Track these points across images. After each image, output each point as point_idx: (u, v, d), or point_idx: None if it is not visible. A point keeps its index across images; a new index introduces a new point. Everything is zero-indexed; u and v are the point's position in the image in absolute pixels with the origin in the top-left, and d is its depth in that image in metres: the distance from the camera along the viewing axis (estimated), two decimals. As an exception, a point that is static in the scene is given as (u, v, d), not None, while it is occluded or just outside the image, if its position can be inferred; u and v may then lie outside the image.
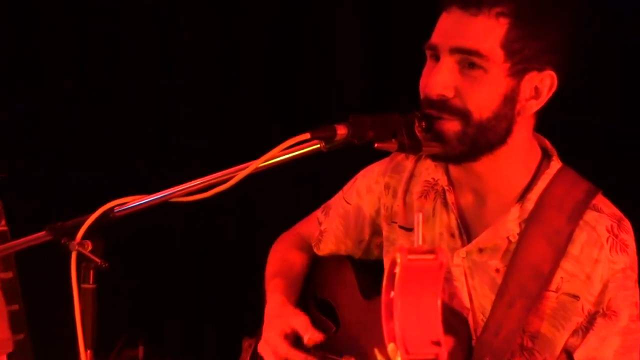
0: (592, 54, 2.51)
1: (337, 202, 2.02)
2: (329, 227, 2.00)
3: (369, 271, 1.95)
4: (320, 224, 2.03)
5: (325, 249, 2.02)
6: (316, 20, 3.25)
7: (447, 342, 1.27)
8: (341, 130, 1.50)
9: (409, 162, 1.86)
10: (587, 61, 2.49)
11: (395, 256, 1.20)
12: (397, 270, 1.20)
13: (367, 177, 1.94)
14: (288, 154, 1.50)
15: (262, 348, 1.85)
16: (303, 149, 1.50)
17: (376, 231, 1.93)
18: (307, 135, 1.48)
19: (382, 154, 1.89)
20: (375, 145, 1.55)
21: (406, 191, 1.84)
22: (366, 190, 1.93)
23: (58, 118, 3.27)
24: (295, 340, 1.84)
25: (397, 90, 2.15)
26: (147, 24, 3.33)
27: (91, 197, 1.57)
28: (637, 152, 2.52)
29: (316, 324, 1.86)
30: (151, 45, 3.32)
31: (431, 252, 1.21)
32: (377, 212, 1.90)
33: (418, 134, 1.57)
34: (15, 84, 3.28)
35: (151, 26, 3.34)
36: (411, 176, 1.84)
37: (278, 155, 1.49)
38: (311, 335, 1.80)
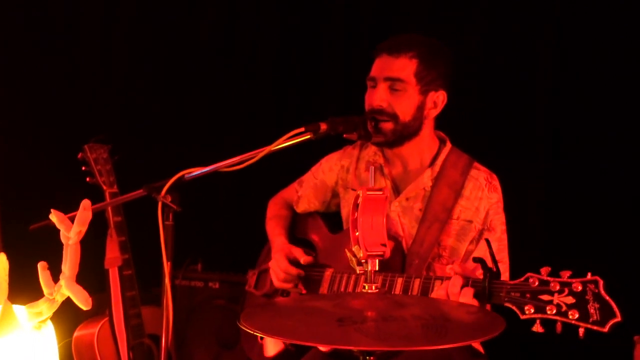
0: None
1: (308, 178, 2.87)
2: (304, 194, 2.86)
3: (331, 219, 2.81)
4: (297, 191, 2.89)
5: (301, 207, 2.87)
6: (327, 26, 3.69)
7: (389, 244, 1.93)
8: (323, 126, 2.33)
9: (355, 151, 2.73)
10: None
11: (359, 192, 1.89)
12: (359, 200, 1.86)
13: (329, 161, 2.81)
14: (290, 141, 2.27)
15: (272, 265, 2.67)
16: (299, 138, 2.28)
17: (334, 195, 2.80)
18: (302, 129, 2.30)
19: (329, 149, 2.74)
20: (344, 135, 2.40)
21: (356, 168, 2.70)
22: (328, 170, 2.79)
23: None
24: (292, 262, 2.64)
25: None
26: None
27: (170, 167, 2.23)
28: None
29: (305, 252, 2.67)
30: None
31: (380, 190, 1.90)
32: (336, 183, 2.77)
33: (369, 129, 2.45)
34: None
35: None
36: (358, 159, 2.71)
37: (283, 142, 2.25)
38: (305, 258, 2.63)
